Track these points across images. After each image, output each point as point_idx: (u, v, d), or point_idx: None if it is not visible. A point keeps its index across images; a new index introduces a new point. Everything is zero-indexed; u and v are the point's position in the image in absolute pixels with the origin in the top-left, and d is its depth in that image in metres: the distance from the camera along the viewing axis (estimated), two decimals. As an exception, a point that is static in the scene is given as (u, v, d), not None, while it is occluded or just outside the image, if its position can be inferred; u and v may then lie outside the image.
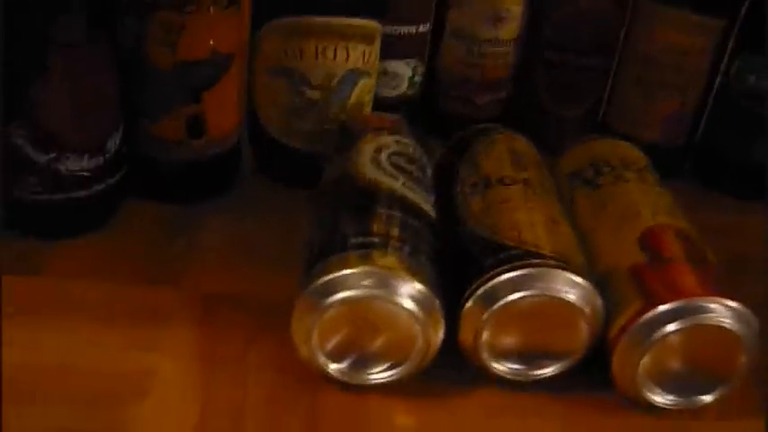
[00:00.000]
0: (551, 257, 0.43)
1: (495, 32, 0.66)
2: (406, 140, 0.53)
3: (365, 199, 0.47)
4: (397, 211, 0.46)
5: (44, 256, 0.51)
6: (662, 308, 0.42)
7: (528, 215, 0.47)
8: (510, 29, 0.66)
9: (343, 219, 0.45)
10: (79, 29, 0.49)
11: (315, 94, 0.57)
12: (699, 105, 0.68)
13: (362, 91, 0.59)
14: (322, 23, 0.55)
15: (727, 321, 0.42)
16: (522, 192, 0.49)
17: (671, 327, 0.42)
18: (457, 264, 0.46)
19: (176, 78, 0.53)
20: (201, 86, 0.54)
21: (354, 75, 0.58)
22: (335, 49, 0.56)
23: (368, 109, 0.61)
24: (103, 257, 0.52)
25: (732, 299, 0.42)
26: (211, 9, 0.51)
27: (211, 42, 0.53)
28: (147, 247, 0.54)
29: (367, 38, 0.57)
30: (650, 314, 0.42)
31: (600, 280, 0.45)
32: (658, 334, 0.42)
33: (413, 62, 0.66)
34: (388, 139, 0.52)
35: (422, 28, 0.65)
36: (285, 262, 0.46)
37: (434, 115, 0.71)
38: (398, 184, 0.48)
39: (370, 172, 0.49)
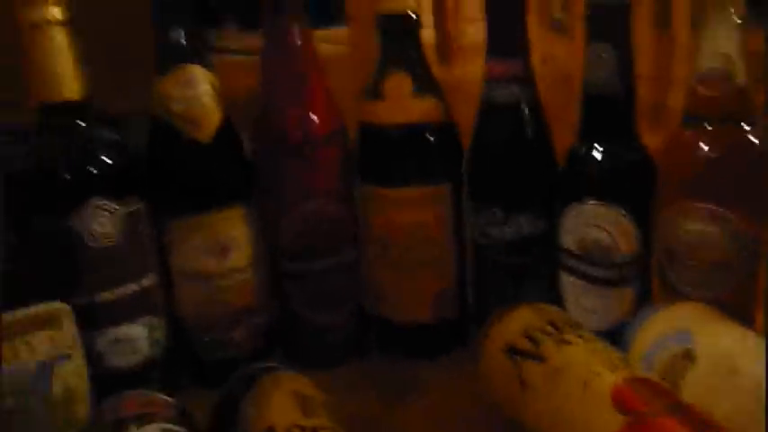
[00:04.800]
0: None
1: (224, 264, 0.60)
2: (173, 427, 0.46)
3: None
4: None
5: None
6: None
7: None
8: (240, 255, 0.61)
9: None
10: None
11: (9, 402, 0.48)
12: (461, 274, 0.65)
13: (67, 377, 0.51)
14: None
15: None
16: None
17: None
18: None
19: None
20: None
21: (46, 365, 0.50)
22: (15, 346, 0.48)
23: (83, 394, 0.52)
24: None
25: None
26: None
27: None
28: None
29: (52, 322, 0.50)
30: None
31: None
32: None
33: (147, 320, 0.59)
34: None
35: (145, 282, 0.59)
36: None
37: (196, 366, 0.64)
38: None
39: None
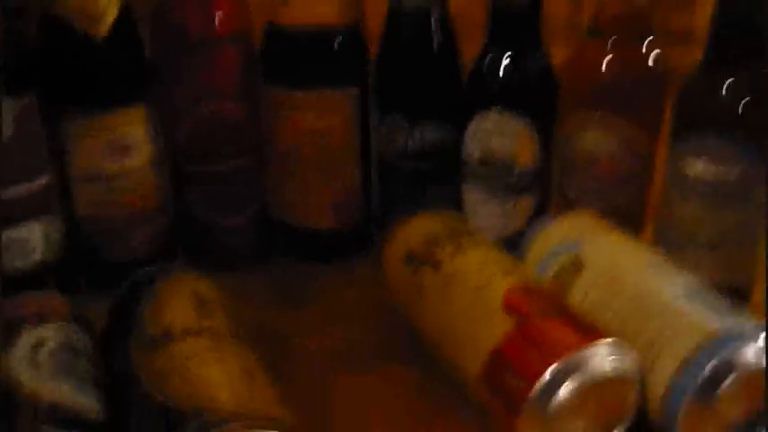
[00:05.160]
0: (254, 420, 0.37)
1: (122, 164, 0.59)
2: (69, 326, 0.46)
3: (24, 416, 0.39)
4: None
5: None
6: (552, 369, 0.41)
7: (220, 371, 0.41)
8: (139, 155, 0.59)
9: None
10: None
11: None
12: (366, 181, 0.66)
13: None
14: None
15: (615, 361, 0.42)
16: (210, 343, 0.43)
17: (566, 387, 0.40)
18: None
19: None
20: None
21: None
22: None
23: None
24: None
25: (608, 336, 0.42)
26: None
27: None
28: None
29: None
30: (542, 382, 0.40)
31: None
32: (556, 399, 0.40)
33: (42, 221, 0.57)
34: (47, 331, 0.44)
35: (39, 181, 0.57)
36: None
37: (94, 269, 0.63)
38: (65, 389, 0.40)
39: (27, 379, 0.40)
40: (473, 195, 0.62)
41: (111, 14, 0.56)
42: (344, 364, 0.54)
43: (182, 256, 0.66)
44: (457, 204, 0.63)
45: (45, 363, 0.42)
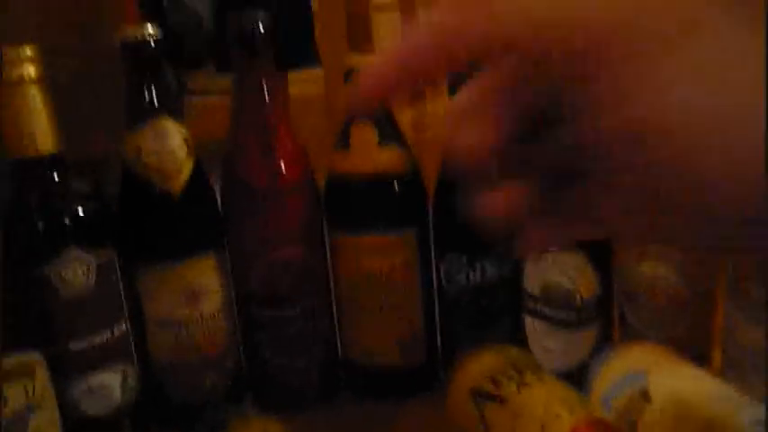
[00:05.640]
0: None
1: (195, 311, 0.61)
2: None
3: None
4: None
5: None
6: None
7: None
8: (211, 302, 0.62)
9: None
10: None
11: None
12: (429, 319, 0.67)
13: (40, 427, 0.52)
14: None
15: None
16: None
17: None
18: None
19: None
20: None
21: (24, 415, 0.50)
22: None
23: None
24: None
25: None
26: None
27: None
28: None
29: (26, 373, 0.51)
30: None
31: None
32: None
33: (120, 367, 0.60)
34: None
35: (118, 330, 0.60)
36: None
37: (167, 411, 0.64)
38: None
39: None
40: (535, 328, 0.63)
41: (187, 170, 0.60)
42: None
43: (250, 395, 0.67)
44: (520, 337, 0.64)
45: None
